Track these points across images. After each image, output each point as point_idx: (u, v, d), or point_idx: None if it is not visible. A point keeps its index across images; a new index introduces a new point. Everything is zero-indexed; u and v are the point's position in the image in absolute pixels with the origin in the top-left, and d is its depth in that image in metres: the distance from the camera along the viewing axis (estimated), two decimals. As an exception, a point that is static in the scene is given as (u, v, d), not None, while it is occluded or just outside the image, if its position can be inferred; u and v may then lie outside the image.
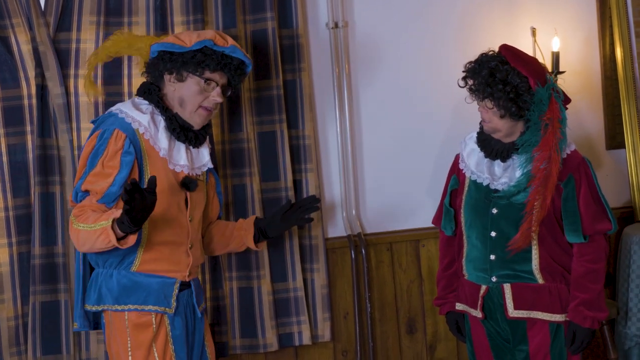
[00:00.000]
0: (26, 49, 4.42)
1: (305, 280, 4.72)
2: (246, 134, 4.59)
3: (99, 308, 3.93)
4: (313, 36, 4.75)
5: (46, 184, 4.44)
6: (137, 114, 3.92)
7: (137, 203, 3.55)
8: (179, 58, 3.94)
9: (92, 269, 4.03)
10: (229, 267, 4.63)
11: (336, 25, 4.74)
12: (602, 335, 4.74)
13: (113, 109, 3.97)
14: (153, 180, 3.61)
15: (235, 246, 4.33)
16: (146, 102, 3.99)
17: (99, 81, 4.44)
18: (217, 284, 4.64)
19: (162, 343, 3.93)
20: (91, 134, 3.92)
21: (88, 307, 3.96)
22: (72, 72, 4.45)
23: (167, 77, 3.98)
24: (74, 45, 4.45)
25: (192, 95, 3.95)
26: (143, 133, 3.89)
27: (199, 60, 3.93)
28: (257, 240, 4.31)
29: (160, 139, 3.93)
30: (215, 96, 3.97)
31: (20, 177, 4.47)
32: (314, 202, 4.35)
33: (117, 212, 3.68)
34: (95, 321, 4.06)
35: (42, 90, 4.44)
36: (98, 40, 4.44)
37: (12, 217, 4.45)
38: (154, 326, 3.93)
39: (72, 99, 4.45)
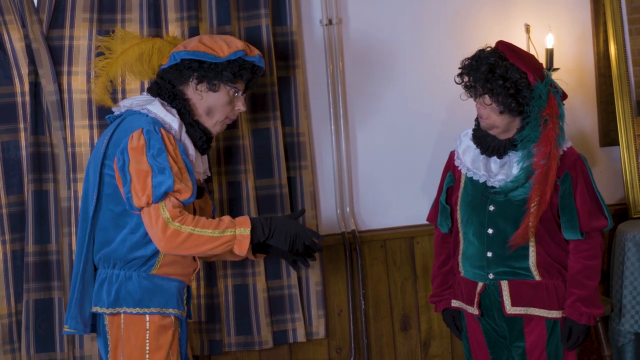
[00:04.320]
0: (19, 46, 4.40)
1: (299, 278, 4.72)
2: (241, 131, 4.57)
3: (114, 311, 3.82)
4: (307, 33, 4.74)
5: (40, 181, 4.42)
6: (170, 118, 3.86)
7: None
8: (213, 68, 3.90)
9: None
10: (223, 265, 4.61)
11: (330, 22, 4.74)
12: (596, 332, 4.75)
13: (135, 107, 3.87)
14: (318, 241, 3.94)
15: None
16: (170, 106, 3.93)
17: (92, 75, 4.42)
18: (212, 281, 4.62)
19: (176, 345, 3.89)
20: (130, 133, 3.76)
21: (100, 310, 3.84)
22: (65, 69, 4.43)
23: (193, 84, 3.93)
24: (67, 42, 4.43)
25: (221, 106, 3.94)
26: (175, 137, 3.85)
27: (234, 71, 3.90)
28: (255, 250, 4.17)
29: (188, 145, 3.89)
30: (240, 106, 3.98)
31: (13, 175, 4.45)
32: (316, 250, 4.11)
33: (246, 222, 3.80)
34: (92, 324, 3.94)
35: (36, 88, 4.41)
36: (91, 37, 4.42)
37: (6, 215, 4.42)
38: (174, 328, 3.87)
39: (66, 96, 4.43)
